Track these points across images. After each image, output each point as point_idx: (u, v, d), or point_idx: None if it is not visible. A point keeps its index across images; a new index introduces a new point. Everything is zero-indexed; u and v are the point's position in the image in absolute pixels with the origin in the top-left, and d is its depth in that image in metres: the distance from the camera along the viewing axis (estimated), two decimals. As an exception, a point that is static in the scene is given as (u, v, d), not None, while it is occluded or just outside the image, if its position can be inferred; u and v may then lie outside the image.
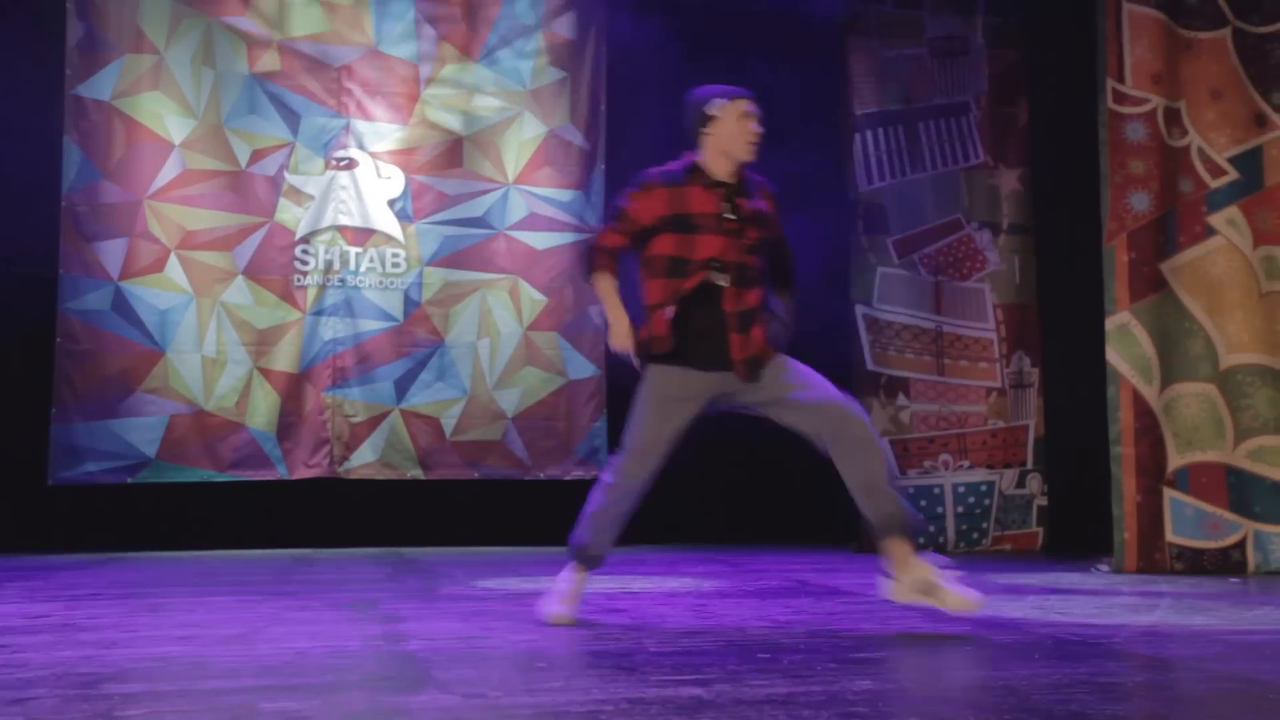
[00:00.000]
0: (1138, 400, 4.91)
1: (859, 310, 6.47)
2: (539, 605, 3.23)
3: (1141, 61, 5.05)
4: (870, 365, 6.43)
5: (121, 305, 6.32)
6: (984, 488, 6.41)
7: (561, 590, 3.18)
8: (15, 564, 5.24)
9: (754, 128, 3.20)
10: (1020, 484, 6.43)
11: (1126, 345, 4.95)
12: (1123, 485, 4.90)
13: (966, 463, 6.42)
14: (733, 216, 3.13)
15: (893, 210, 6.54)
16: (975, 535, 6.37)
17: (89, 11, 6.39)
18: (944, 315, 6.47)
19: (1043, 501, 6.42)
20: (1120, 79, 5.06)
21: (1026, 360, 6.49)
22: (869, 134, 6.60)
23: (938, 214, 6.56)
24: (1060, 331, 6.34)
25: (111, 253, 6.32)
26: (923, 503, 6.38)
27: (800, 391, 3.06)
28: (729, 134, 3.18)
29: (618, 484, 3.12)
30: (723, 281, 3.09)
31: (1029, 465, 6.44)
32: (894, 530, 2.97)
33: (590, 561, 3.20)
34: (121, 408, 6.26)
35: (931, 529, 6.36)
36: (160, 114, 6.45)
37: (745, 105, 3.22)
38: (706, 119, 3.21)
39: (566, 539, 3.22)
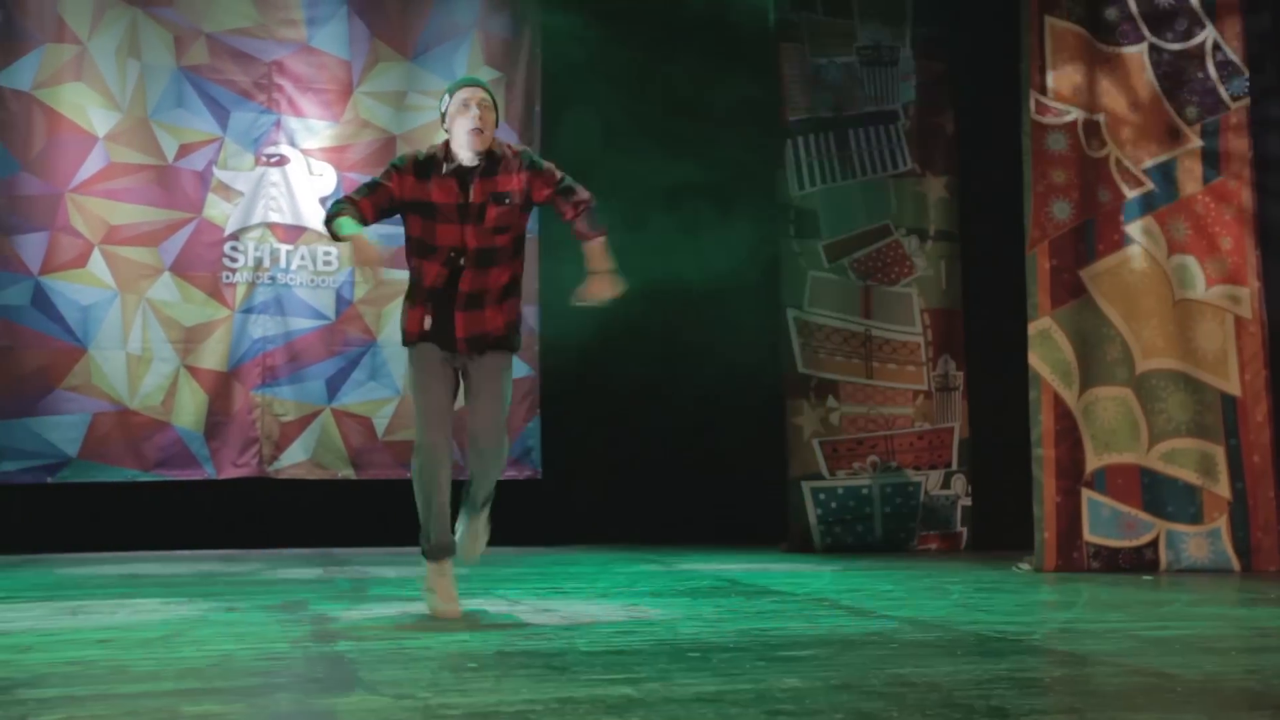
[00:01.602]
0: (1058, 403, 5.05)
1: (790, 314, 6.55)
2: (430, 609, 3.31)
3: (1063, 74, 5.19)
4: (801, 368, 6.51)
5: (41, 301, 6.15)
6: (910, 489, 6.52)
7: (443, 590, 3.28)
8: (-74, 567, 5.07)
9: (471, 119, 3.15)
10: (945, 485, 6.56)
11: (1048, 350, 5.09)
12: (1043, 486, 5.03)
13: (894, 464, 6.53)
14: (470, 202, 3.18)
15: (824, 215, 6.63)
16: (902, 535, 6.48)
17: (7, -1, 6.22)
18: (873, 319, 6.58)
19: (967, 502, 6.56)
20: (1043, 91, 5.20)
21: (952, 364, 6.62)
22: (800, 140, 6.68)
23: (867, 220, 6.66)
24: (984, 336, 6.48)
25: (31, 247, 6.15)
26: (851, 503, 6.48)
27: (483, 400, 3.27)
28: (454, 127, 3.21)
29: (427, 468, 3.31)
30: (459, 265, 3.19)
31: (954, 467, 6.57)
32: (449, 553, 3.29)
33: (446, 552, 3.34)
34: (40, 406, 6.10)
35: (859, 529, 6.47)
36: (83, 105, 6.29)
37: (463, 95, 3.19)
38: (442, 116, 3.27)
39: (423, 545, 3.35)
